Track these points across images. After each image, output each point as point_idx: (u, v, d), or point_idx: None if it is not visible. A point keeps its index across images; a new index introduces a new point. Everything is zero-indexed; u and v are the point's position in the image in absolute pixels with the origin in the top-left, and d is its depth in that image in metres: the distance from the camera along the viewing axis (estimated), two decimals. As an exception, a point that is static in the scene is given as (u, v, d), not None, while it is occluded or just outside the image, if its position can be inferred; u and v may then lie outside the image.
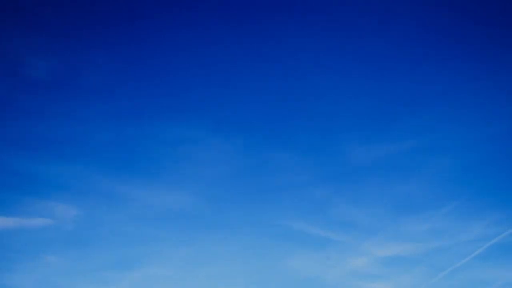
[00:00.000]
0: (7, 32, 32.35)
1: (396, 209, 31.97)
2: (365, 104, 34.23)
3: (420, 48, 34.75)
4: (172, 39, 34.52)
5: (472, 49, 34.32)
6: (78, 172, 32.05)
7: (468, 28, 34.38)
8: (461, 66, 34.29)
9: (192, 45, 34.38)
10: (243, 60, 34.66)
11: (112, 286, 29.08)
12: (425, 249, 30.47)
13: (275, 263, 30.69)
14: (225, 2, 34.59)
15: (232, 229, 31.48)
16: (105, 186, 31.84)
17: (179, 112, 33.89)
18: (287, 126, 34.10)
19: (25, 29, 32.71)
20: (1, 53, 32.44)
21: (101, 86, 33.36)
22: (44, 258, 29.67)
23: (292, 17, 34.73)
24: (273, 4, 34.58)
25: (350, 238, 31.22)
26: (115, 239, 30.89)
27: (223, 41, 34.51)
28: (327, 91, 34.56)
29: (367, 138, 33.60)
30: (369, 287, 29.93)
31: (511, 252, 29.48)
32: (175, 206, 32.05)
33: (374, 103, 34.20)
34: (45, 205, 31.29)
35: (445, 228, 30.92)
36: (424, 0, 34.43)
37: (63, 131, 32.50)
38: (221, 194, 32.54)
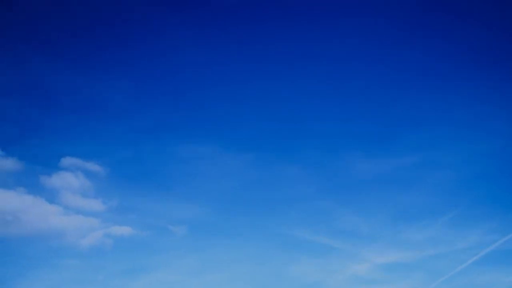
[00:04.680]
0: (38, 62, 35.40)
1: (396, 219, 33.67)
2: (368, 122, 36.56)
3: (421, 70, 37.30)
4: (185, 65, 37.20)
5: (470, 73, 36.75)
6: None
7: (467, 53, 36.84)
8: (459, 88, 36.63)
9: (204, 68, 37.15)
10: (254, 82, 37.33)
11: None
12: (424, 256, 31.83)
13: (280, 270, 32.19)
14: (240, 27, 37.47)
15: (239, 238, 33.25)
16: (122, 197, 34.07)
17: (193, 130, 36.41)
18: (294, 142, 36.34)
19: (55, 58, 35.81)
20: (31, 80, 35.58)
21: (122, 108, 36.33)
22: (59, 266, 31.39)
23: (304, 42, 37.56)
24: (289, 27, 37.46)
25: (352, 245, 32.75)
26: (127, 246, 32.79)
27: (234, 64, 37.37)
28: (333, 110, 37.07)
29: (370, 154, 35.63)
30: (370, 292, 31.39)
31: (507, 259, 30.73)
32: (186, 217, 33.96)
33: (377, 122, 36.52)
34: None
35: (443, 236, 32.40)
36: (428, 26, 37.22)
37: (85, 148, 34.90)
38: (230, 205, 34.51)
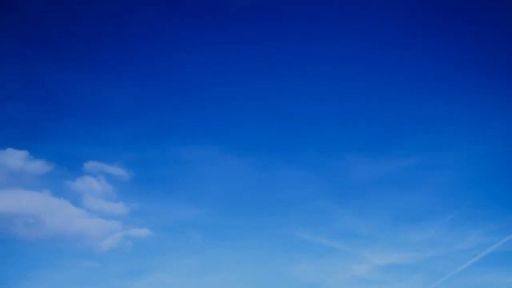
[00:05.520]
0: (43, 67, 35.81)
1: (396, 220, 33.88)
2: (368, 124, 36.81)
3: (421, 71, 37.54)
4: (187, 67, 37.54)
5: (469, 74, 36.94)
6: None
7: (466, 54, 37.03)
8: (459, 90, 36.87)
9: (205, 70, 37.54)
10: (255, 84, 37.55)
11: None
12: (424, 257, 32.02)
13: (280, 270, 32.47)
14: (241, 27, 37.72)
15: (241, 239, 33.54)
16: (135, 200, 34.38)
17: (194, 132, 36.75)
18: (295, 144, 36.62)
19: (60, 63, 36.19)
20: (37, 84, 36.05)
21: (126, 111, 36.64)
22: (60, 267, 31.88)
23: (305, 43, 37.82)
24: (290, 28, 37.62)
25: (352, 246, 32.98)
26: (130, 248, 33.04)
27: (235, 65, 37.62)
28: (333, 111, 37.31)
29: (370, 155, 35.91)
30: (369, 293, 31.57)
31: (506, 260, 30.91)
32: (188, 218, 34.31)
33: (377, 123, 36.77)
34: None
35: (443, 237, 32.57)
36: (427, 27, 37.42)
37: (91, 151, 35.16)
38: (232, 207, 34.81)
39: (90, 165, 34.23)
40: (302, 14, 37.47)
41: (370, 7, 37.18)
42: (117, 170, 34.50)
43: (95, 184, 33.84)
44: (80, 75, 36.12)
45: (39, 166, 33.25)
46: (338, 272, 32.03)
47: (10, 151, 33.00)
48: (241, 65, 37.52)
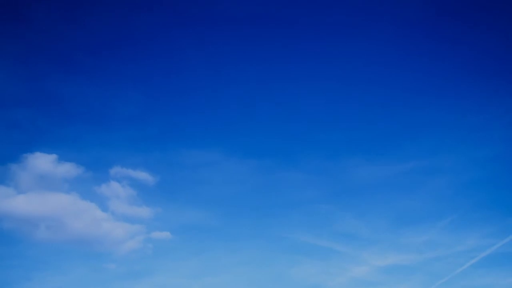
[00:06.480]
0: (51, 74, 36.63)
1: (396, 222, 34.31)
2: (369, 129, 37.33)
3: (421, 77, 38.02)
4: (191, 77, 38.25)
5: (469, 79, 37.45)
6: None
7: (466, 59, 37.58)
8: (458, 95, 37.37)
9: (209, 76, 38.02)
10: (257, 90, 38.29)
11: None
12: (423, 259, 32.39)
13: (281, 272, 32.90)
14: (245, 33, 38.38)
15: (242, 241, 34.08)
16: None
17: (198, 137, 37.29)
18: (297, 148, 37.24)
19: (67, 70, 36.99)
20: (45, 92, 36.64)
21: (131, 116, 37.32)
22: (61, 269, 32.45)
23: (308, 50, 38.51)
24: (295, 33, 38.26)
25: (352, 248, 33.41)
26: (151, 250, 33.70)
27: (238, 73, 38.23)
28: (335, 117, 37.91)
29: (370, 159, 36.38)
30: (369, 294, 31.92)
31: (504, 261, 31.24)
32: (190, 221, 34.94)
33: (378, 128, 37.30)
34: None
35: (442, 240, 32.96)
36: (430, 35, 37.97)
37: (96, 154, 35.89)
38: (234, 210, 35.28)
39: (115, 170, 35.05)
40: (304, 16, 38.17)
41: (372, 10, 37.78)
42: (141, 175, 35.21)
43: (120, 188, 34.63)
44: (89, 82, 37.17)
45: (67, 169, 34.01)
46: (338, 273, 32.51)
47: (38, 154, 33.77)
48: (245, 69, 38.33)
